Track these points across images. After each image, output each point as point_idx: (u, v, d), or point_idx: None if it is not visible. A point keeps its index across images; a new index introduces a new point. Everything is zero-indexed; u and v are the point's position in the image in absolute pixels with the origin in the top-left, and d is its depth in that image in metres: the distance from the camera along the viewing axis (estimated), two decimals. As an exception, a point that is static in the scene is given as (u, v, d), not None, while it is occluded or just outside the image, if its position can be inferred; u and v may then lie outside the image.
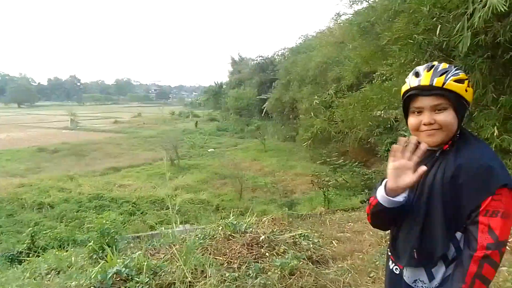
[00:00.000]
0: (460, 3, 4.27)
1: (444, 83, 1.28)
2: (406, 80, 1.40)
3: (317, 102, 10.44)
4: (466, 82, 1.32)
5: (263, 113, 32.62)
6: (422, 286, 1.36)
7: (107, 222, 4.46)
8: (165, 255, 3.48)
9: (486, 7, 3.51)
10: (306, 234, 4.14)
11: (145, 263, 2.98)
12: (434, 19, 4.83)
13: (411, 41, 4.82)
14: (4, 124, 46.89)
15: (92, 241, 4.24)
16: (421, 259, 1.34)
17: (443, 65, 1.34)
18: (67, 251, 4.55)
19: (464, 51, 4.07)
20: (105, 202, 14.64)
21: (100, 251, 3.96)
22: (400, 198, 1.31)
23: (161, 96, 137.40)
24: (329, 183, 12.67)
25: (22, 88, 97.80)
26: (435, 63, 1.38)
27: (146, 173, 20.59)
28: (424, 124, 1.31)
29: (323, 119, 7.97)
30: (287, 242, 3.79)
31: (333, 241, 4.22)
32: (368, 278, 3.21)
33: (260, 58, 38.83)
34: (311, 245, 3.83)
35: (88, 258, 3.97)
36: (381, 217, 1.41)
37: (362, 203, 8.59)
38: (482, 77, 4.93)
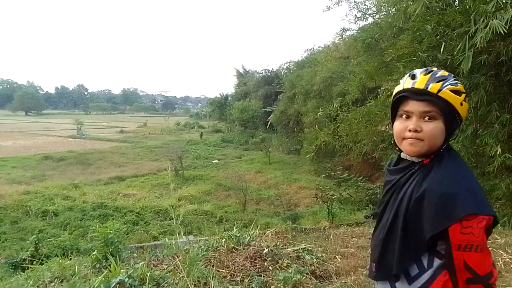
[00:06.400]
0: (464, 21, 4.34)
1: (439, 90, 1.20)
2: (401, 81, 1.31)
3: (321, 114, 10.46)
4: (463, 95, 1.23)
5: (268, 125, 32.74)
6: None
7: (111, 231, 4.47)
8: (168, 266, 3.49)
9: (487, 27, 3.56)
10: (309, 248, 4.12)
11: (148, 274, 2.99)
12: (438, 36, 4.90)
13: (415, 59, 4.87)
14: (11, 131, 47.49)
15: (96, 250, 4.24)
16: (380, 273, 1.31)
17: (442, 72, 1.25)
18: (70, 259, 4.53)
19: (467, 69, 4.11)
20: (109, 211, 14.60)
21: (104, 261, 3.93)
22: None
23: (167, 106, 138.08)
24: (333, 197, 12.65)
25: (30, 96, 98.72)
26: (435, 68, 1.29)
27: (150, 183, 20.60)
28: (409, 131, 1.23)
29: (327, 132, 7.99)
30: (290, 256, 3.78)
31: (337, 256, 4.18)
32: (371, 294, 3.20)
33: (265, 71, 39.30)
34: (315, 260, 3.80)
35: (92, 267, 3.94)
36: None
37: (366, 218, 8.54)
38: (486, 95, 4.97)
